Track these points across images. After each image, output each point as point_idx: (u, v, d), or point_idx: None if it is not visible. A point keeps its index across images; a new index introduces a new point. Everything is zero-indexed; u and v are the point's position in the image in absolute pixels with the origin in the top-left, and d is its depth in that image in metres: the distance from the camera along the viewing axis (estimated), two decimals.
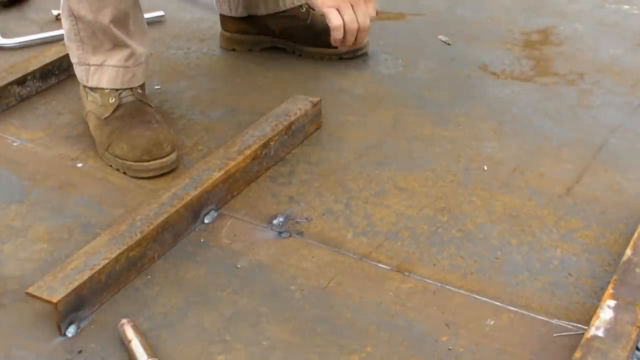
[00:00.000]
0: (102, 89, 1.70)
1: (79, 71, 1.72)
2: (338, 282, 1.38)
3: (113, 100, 1.68)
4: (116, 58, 1.68)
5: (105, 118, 1.68)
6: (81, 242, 1.45)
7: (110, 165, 1.67)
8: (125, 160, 1.64)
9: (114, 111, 1.68)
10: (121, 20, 1.66)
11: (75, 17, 1.66)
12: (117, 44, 1.68)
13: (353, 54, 2.08)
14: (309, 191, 1.60)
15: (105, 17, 1.64)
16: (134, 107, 1.69)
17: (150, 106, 1.73)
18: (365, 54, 2.09)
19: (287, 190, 1.61)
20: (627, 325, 1.21)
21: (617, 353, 1.16)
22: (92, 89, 1.71)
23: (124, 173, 1.65)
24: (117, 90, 1.69)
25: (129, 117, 1.67)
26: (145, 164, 1.62)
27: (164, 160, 1.63)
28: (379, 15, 2.30)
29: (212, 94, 1.95)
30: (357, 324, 1.30)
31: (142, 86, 1.74)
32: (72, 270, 1.30)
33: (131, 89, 1.70)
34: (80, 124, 1.83)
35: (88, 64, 1.69)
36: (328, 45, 1.85)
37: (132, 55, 1.69)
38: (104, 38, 1.67)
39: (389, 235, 1.48)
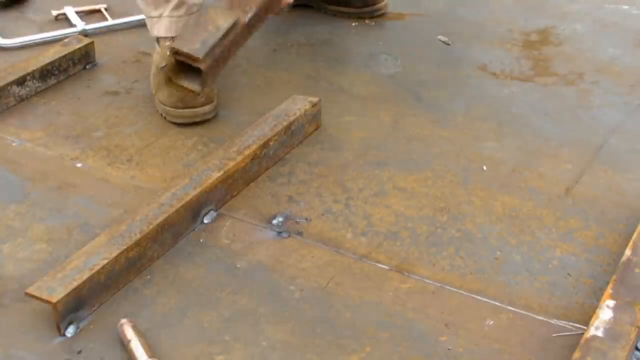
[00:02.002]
0: (164, 40, 1.87)
1: (147, 24, 1.92)
2: (337, 282, 1.38)
3: (169, 52, 1.85)
4: (169, 8, 1.85)
5: (161, 67, 1.85)
6: (80, 242, 1.45)
7: (157, 110, 1.85)
8: (165, 105, 1.81)
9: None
10: None
11: None
12: None
13: (370, 15, 2.25)
14: (309, 191, 1.60)
15: None
16: None
17: None
18: (383, 14, 2.26)
19: (287, 190, 1.61)
20: (626, 325, 1.21)
21: (616, 353, 1.16)
22: (157, 41, 1.90)
23: (165, 118, 1.82)
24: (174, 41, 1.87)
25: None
26: (179, 110, 1.79)
27: (196, 109, 1.78)
28: (379, 15, 2.31)
29: None
30: (357, 324, 1.30)
31: None
32: (72, 271, 1.30)
33: None
34: (80, 124, 1.83)
35: (151, 17, 1.88)
36: (348, 4, 2.14)
37: (182, 4, 1.84)
38: None
39: (388, 236, 1.48)
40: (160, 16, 1.86)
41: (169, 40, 1.87)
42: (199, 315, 1.32)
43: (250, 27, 1.61)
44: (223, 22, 1.54)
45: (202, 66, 1.46)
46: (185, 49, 1.47)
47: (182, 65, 1.50)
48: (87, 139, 1.77)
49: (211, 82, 1.53)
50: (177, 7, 1.85)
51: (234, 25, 1.54)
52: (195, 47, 1.46)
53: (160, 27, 1.87)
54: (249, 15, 1.58)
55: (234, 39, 1.55)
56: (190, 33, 1.50)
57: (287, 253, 1.44)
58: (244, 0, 1.62)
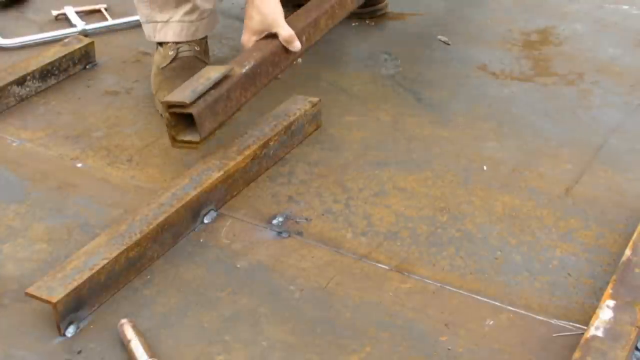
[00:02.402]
0: (167, 42, 1.87)
1: (146, 29, 1.90)
2: (337, 282, 1.38)
3: (172, 52, 1.87)
4: (180, 13, 1.85)
5: (162, 67, 1.86)
6: (80, 242, 1.45)
7: (157, 110, 1.84)
8: None
9: (170, 62, 1.86)
10: None
11: None
12: (180, 1, 1.84)
13: (370, 15, 2.28)
14: (309, 191, 1.60)
15: None
16: (188, 62, 1.86)
17: (206, 63, 1.89)
18: (383, 14, 2.29)
19: (287, 190, 1.61)
20: (626, 325, 1.21)
21: (616, 353, 1.16)
22: (159, 43, 1.90)
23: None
24: (177, 44, 1.88)
25: (180, 69, 1.84)
26: None
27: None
28: (379, 15, 2.31)
29: None
30: (357, 324, 1.30)
31: (201, 43, 1.91)
32: (72, 271, 1.30)
33: (189, 44, 1.87)
34: (80, 123, 1.83)
35: (155, 21, 1.86)
36: None
37: (195, 9, 1.85)
38: None
39: (388, 235, 1.48)
40: (168, 21, 1.86)
41: (172, 43, 1.87)
42: (199, 315, 1.32)
43: (250, 79, 1.62)
44: (214, 73, 1.57)
45: (193, 110, 1.49)
46: (174, 99, 1.50)
47: (180, 120, 1.53)
48: (87, 139, 1.77)
49: (209, 130, 1.53)
50: (190, 12, 1.85)
51: (227, 75, 1.57)
52: (185, 94, 1.50)
53: (168, 32, 1.86)
54: (246, 67, 1.60)
55: (230, 89, 1.57)
56: (182, 87, 1.54)
57: (287, 253, 1.45)
58: (244, 56, 1.66)
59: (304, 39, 1.73)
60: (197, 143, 1.53)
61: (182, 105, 1.49)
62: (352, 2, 1.91)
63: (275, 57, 1.69)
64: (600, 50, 2.13)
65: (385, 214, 1.54)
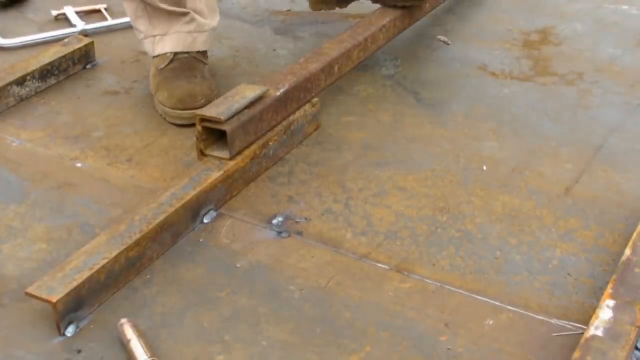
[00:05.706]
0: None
1: (146, 44, 1.91)
2: (337, 281, 1.38)
3: (169, 55, 1.88)
4: (178, 25, 1.86)
5: (160, 69, 1.87)
6: (80, 242, 1.45)
7: (156, 110, 1.86)
8: (164, 106, 1.81)
9: (168, 63, 1.86)
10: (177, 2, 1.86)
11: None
12: (178, 14, 1.86)
13: None
14: (308, 191, 1.61)
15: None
16: (186, 62, 1.87)
17: (204, 63, 1.90)
18: None
19: (286, 190, 1.61)
20: (626, 325, 1.21)
21: (616, 353, 1.16)
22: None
23: (164, 119, 1.82)
24: None
25: (178, 70, 1.86)
26: (179, 111, 1.80)
27: (195, 111, 1.74)
28: None
29: None
30: (356, 324, 1.30)
31: None
32: (71, 270, 1.30)
33: None
34: (79, 123, 1.83)
35: (153, 36, 1.89)
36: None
37: (192, 20, 1.87)
38: (165, 12, 1.86)
39: (388, 235, 1.48)
40: (165, 33, 1.86)
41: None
42: (198, 315, 1.32)
43: (282, 103, 1.65)
44: (250, 92, 1.60)
45: (227, 128, 1.51)
46: (209, 113, 1.52)
47: (211, 135, 1.55)
48: (86, 138, 1.77)
49: (239, 149, 1.56)
50: (188, 22, 1.86)
51: (263, 96, 1.59)
52: (220, 111, 1.52)
53: (166, 44, 1.87)
54: (281, 90, 1.62)
55: (263, 110, 1.59)
56: (217, 103, 1.57)
57: (287, 253, 1.45)
58: (278, 78, 1.68)
59: (336, 68, 1.78)
60: (226, 159, 1.55)
61: (216, 121, 1.51)
62: (383, 38, 1.97)
63: (308, 84, 1.72)
64: (599, 50, 2.13)
65: (385, 214, 1.54)
